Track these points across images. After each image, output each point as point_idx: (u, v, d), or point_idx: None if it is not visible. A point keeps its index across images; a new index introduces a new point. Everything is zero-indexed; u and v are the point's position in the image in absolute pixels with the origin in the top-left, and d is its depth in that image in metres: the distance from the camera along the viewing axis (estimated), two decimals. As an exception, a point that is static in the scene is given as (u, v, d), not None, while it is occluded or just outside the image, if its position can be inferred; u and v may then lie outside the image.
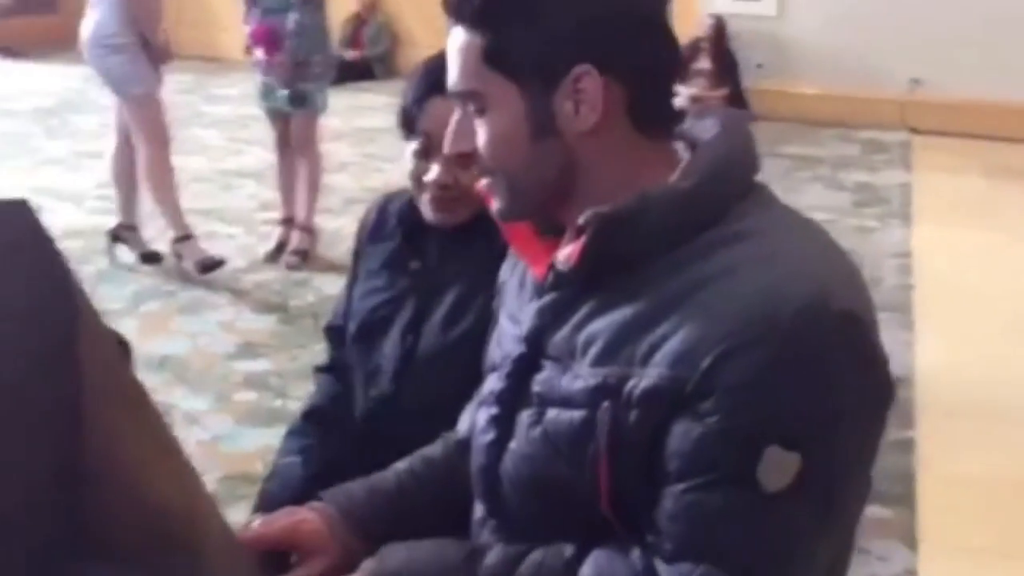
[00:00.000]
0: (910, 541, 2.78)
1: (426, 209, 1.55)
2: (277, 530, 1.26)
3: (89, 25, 4.28)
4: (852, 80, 8.34)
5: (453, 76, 1.10)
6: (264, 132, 5.05)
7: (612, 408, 1.02)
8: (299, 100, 4.54)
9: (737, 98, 8.51)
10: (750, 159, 1.12)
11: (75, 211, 5.34)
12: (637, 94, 1.08)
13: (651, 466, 1.02)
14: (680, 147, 1.13)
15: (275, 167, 4.94)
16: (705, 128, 1.13)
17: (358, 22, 9.37)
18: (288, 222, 4.83)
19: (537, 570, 1.09)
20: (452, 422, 1.34)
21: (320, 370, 1.77)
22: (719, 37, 8.45)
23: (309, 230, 4.78)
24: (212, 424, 3.27)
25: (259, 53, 4.56)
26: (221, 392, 3.50)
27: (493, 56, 1.07)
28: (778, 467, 0.97)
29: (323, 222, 4.97)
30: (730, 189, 1.08)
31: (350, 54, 9.01)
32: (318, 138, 4.81)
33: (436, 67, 1.43)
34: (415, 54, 9.57)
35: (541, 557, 1.10)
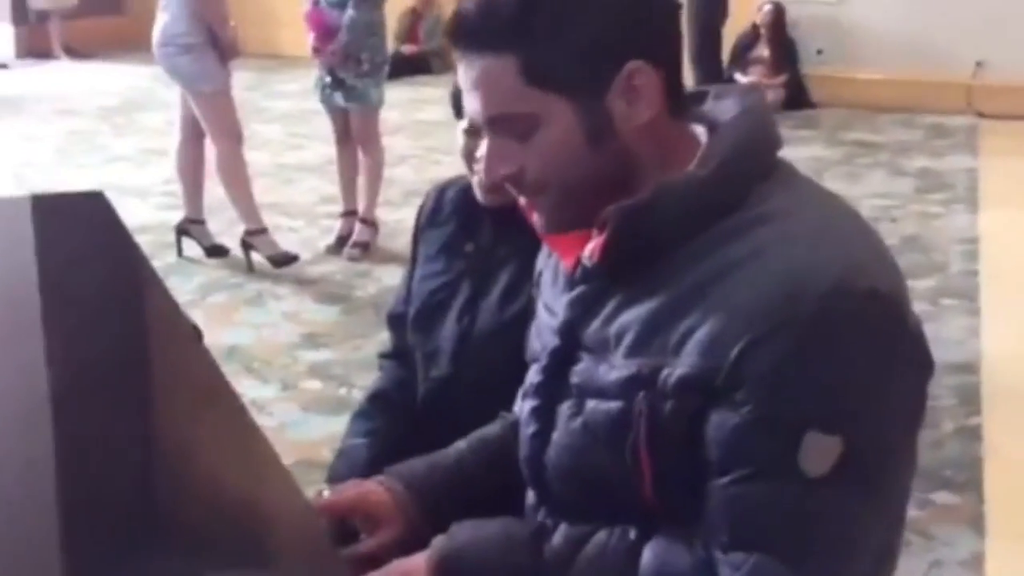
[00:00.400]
0: (977, 527, 2.75)
1: (477, 188, 1.57)
2: (346, 501, 1.30)
3: (159, 26, 4.37)
4: (915, 65, 8.22)
5: (481, 105, 1.07)
6: (324, 127, 5.11)
7: (648, 398, 1.03)
8: (347, 93, 4.59)
9: (796, 85, 8.42)
10: (770, 138, 1.11)
11: (141, 207, 5.45)
12: (672, 79, 1.09)
13: (693, 455, 1.02)
14: (700, 130, 1.12)
15: (335, 161, 5.00)
16: (724, 109, 1.12)
17: (414, 17, 9.44)
18: (349, 215, 4.89)
19: (602, 551, 1.10)
20: (509, 401, 1.36)
21: (384, 356, 1.80)
22: (778, 24, 8.37)
23: (371, 222, 4.84)
24: (279, 412, 3.33)
25: (311, 39, 4.63)
26: (287, 381, 3.56)
27: (533, 74, 1.04)
28: (819, 452, 0.97)
29: (383, 214, 5.03)
30: (750, 171, 1.07)
31: (407, 49, 9.08)
32: (378, 132, 4.86)
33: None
34: (472, 47, 9.61)
35: (605, 539, 1.11)
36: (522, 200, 1.13)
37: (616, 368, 1.06)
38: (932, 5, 8.14)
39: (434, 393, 1.62)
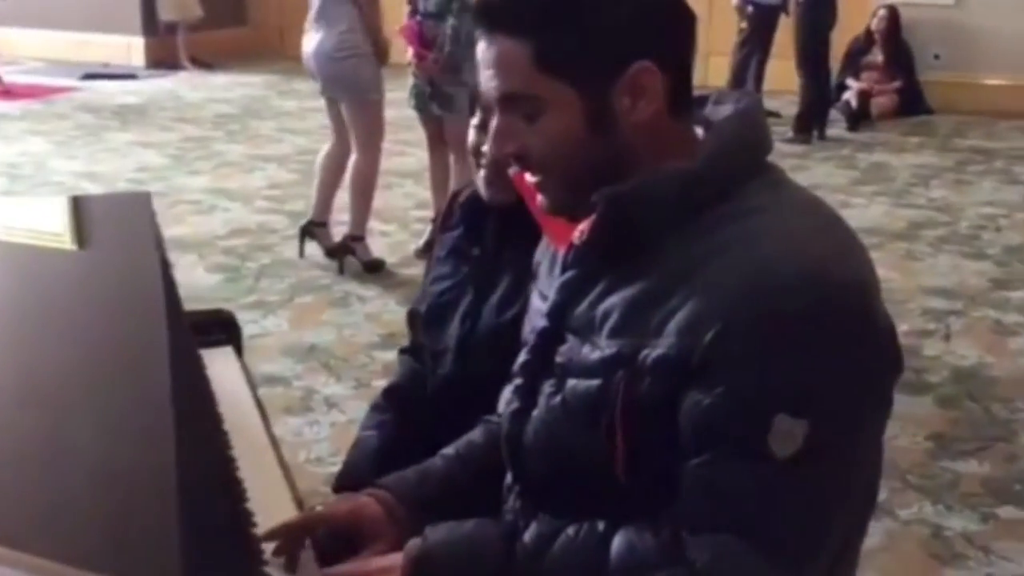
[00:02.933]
0: (1044, 545, 2.66)
1: (480, 185, 1.61)
2: (340, 515, 1.33)
3: (316, 38, 4.50)
4: (1036, 69, 7.91)
5: (496, 82, 1.12)
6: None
7: (626, 376, 1.07)
8: (442, 101, 4.67)
9: (911, 91, 8.21)
10: (759, 141, 1.16)
11: (243, 210, 5.65)
12: (676, 82, 1.12)
13: (666, 436, 1.05)
14: (699, 131, 1.17)
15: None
16: (721, 112, 1.17)
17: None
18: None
19: (571, 545, 1.13)
20: None
21: (403, 351, 1.86)
22: (893, 28, 8.17)
23: (458, 228, 4.90)
24: (350, 409, 3.42)
25: (409, 51, 4.73)
26: (361, 379, 3.66)
27: (545, 61, 1.09)
28: (788, 434, 1.00)
29: (473, 220, 5.09)
30: (736, 169, 1.11)
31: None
32: (471, 140, 4.92)
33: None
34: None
35: (574, 533, 1.13)
36: (529, 178, 1.18)
37: (599, 348, 1.11)
38: (1056, 7, 7.83)
39: (441, 390, 1.67)
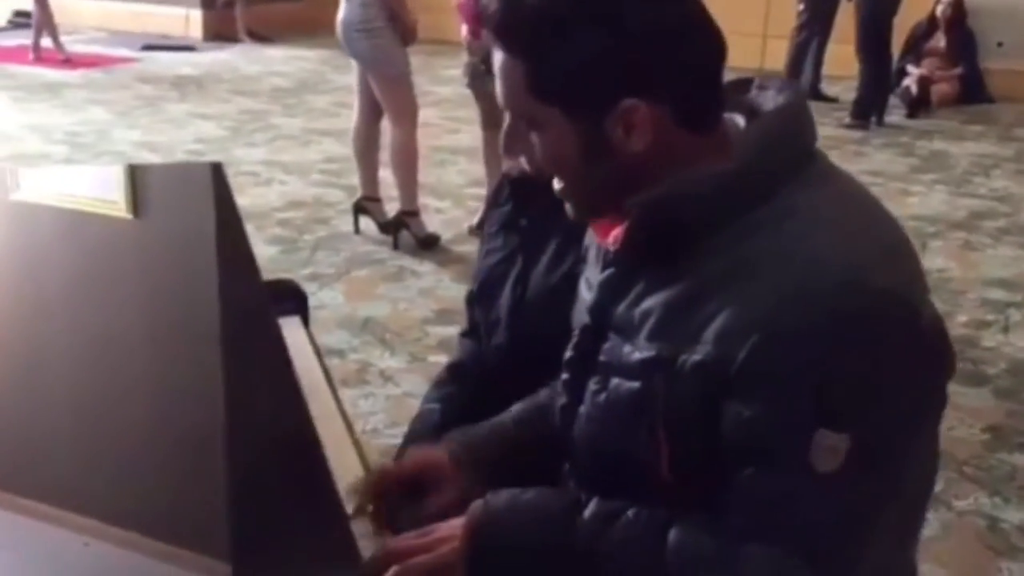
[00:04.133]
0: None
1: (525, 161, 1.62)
2: (411, 464, 1.39)
3: (343, 12, 4.55)
4: (1103, 58, 7.75)
5: (501, 93, 1.12)
6: (479, 111, 5.22)
7: (666, 380, 1.06)
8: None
9: (973, 79, 8.07)
10: (803, 134, 1.12)
11: (300, 183, 5.70)
12: (683, 105, 1.08)
13: (708, 439, 1.05)
14: (738, 118, 1.13)
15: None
16: (764, 100, 1.13)
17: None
18: (493, 196, 4.98)
19: (633, 527, 1.13)
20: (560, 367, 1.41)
21: (463, 335, 1.88)
22: (957, 14, 8.04)
23: (511, 205, 4.92)
24: (405, 382, 3.46)
25: (464, 29, 4.73)
26: (415, 353, 3.69)
27: (535, 85, 1.08)
28: (829, 449, 0.99)
29: (527, 197, 5.10)
30: (779, 167, 1.07)
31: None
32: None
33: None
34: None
35: (636, 516, 1.13)
36: (555, 184, 1.17)
37: (639, 349, 1.10)
38: None
39: (497, 361, 1.69)
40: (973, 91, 8.04)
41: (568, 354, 1.23)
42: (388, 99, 4.60)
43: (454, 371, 1.81)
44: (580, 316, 1.24)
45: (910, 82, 7.88)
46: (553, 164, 1.13)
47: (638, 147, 1.08)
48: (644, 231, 1.09)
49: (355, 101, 4.81)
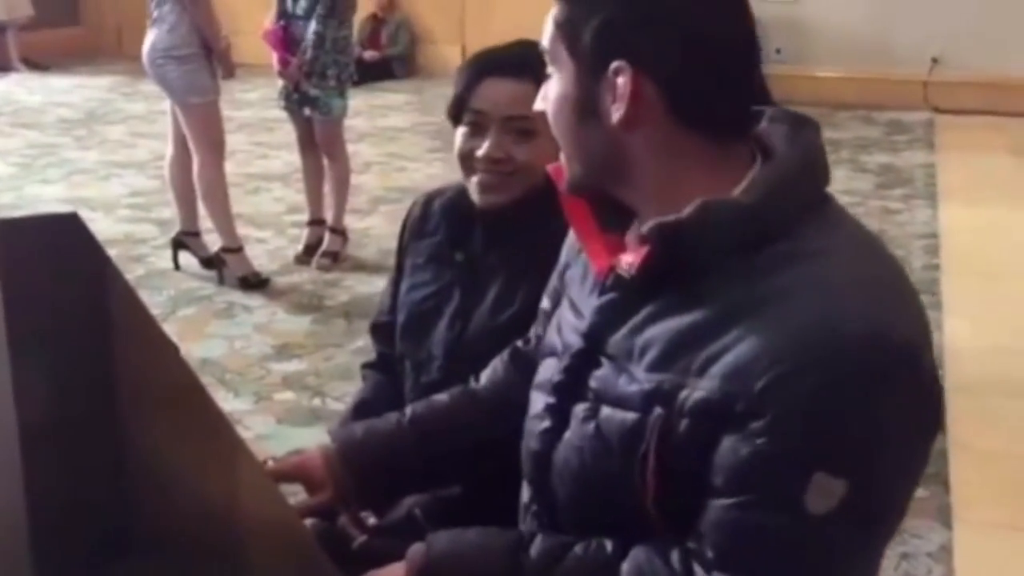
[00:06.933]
0: (944, 519, 2.81)
1: (474, 191, 1.60)
2: (287, 467, 1.48)
3: (150, 39, 4.33)
4: (872, 62, 8.34)
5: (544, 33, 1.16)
6: (288, 135, 5.12)
7: (664, 415, 1.05)
8: (312, 103, 4.61)
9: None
10: (818, 172, 1.12)
11: (107, 220, 5.41)
12: (679, 98, 1.07)
13: (699, 475, 1.04)
14: (745, 151, 1.12)
15: (299, 170, 5.00)
16: (778, 135, 1.12)
17: (376, 22, 9.42)
18: (316, 224, 4.88)
19: (579, 564, 1.12)
20: (499, 405, 1.41)
21: (367, 366, 1.83)
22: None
23: (340, 232, 4.84)
24: (254, 424, 3.34)
25: (275, 58, 4.64)
26: (260, 393, 3.57)
27: (561, 27, 1.11)
28: (824, 492, 0.99)
29: (351, 222, 5.03)
30: (795, 204, 1.07)
31: (369, 54, 9.06)
32: (343, 141, 4.87)
33: (486, 53, 1.58)
34: (434, 52, 9.61)
35: (583, 552, 1.13)
36: (561, 159, 1.18)
37: (637, 380, 1.08)
38: (888, 2, 8.26)
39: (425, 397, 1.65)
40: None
41: (556, 377, 1.20)
42: (194, 129, 4.41)
43: (360, 411, 1.75)
44: (567, 338, 1.21)
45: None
46: (551, 112, 1.14)
47: (618, 116, 1.07)
48: (666, 257, 1.07)
49: (168, 130, 4.62)
